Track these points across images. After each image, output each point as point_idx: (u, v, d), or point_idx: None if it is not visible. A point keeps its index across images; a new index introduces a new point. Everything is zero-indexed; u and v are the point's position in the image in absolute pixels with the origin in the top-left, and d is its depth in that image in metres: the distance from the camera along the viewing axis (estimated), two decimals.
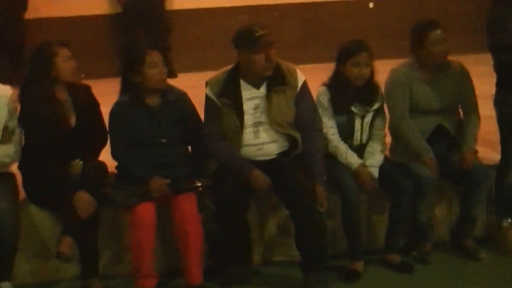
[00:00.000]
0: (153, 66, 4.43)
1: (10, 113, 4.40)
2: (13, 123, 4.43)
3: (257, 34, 4.33)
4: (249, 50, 4.35)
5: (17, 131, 4.44)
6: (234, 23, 8.60)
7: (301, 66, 4.68)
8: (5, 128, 4.40)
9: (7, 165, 4.50)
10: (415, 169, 4.63)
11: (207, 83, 4.49)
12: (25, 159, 4.52)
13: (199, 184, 4.44)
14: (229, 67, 4.51)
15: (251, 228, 4.64)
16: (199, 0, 9.13)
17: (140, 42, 7.41)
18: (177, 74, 8.10)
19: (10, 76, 4.62)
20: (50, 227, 4.61)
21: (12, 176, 4.55)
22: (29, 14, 8.24)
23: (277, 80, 4.43)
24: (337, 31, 8.89)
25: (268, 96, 4.42)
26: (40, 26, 8.04)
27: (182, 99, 4.59)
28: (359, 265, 4.62)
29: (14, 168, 4.60)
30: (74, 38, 4.59)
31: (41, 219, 4.61)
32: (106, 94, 4.74)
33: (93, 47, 8.07)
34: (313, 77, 4.64)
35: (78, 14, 8.67)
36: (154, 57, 4.45)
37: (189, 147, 4.62)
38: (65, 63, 4.44)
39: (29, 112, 4.39)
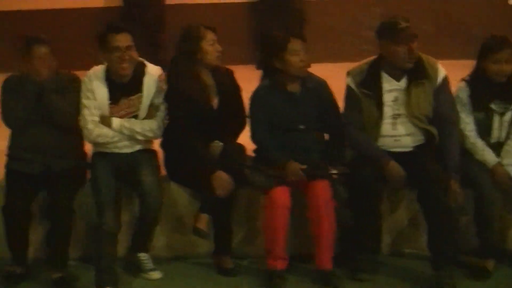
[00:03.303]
0: (295, 53, 4.51)
1: (158, 91, 4.60)
2: (159, 100, 4.61)
3: (400, 26, 4.37)
4: (392, 41, 4.38)
5: (162, 108, 4.62)
6: (367, 15, 8.62)
7: None
8: (152, 104, 4.60)
9: (149, 139, 4.67)
10: None
11: (348, 73, 4.56)
12: (168, 138, 4.70)
13: (334, 172, 4.50)
14: (371, 58, 4.56)
15: (382, 218, 4.67)
16: None
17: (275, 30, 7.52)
18: (311, 64, 8.14)
19: (150, 59, 4.78)
20: (188, 203, 4.78)
21: (155, 153, 4.75)
22: (172, 0, 8.52)
23: (417, 73, 4.45)
24: (472, 27, 8.71)
25: (408, 89, 4.45)
26: (182, 11, 8.29)
27: (322, 86, 4.65)
28: (490, 264, 4.57)
29: (156, 146, 4.80)
30: (213, 24, 4.69)
31: (179, 196, 4.80)
32: (240, 80, 4.83)
33: (230, 34, 8.22)
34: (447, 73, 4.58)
35: (217, 1, 8.87)
36: (296, 45, 4.53)
37: (326, 135, 4.69)
38: (210, 46, 4.57)
39: (175, 91, 4.56)
